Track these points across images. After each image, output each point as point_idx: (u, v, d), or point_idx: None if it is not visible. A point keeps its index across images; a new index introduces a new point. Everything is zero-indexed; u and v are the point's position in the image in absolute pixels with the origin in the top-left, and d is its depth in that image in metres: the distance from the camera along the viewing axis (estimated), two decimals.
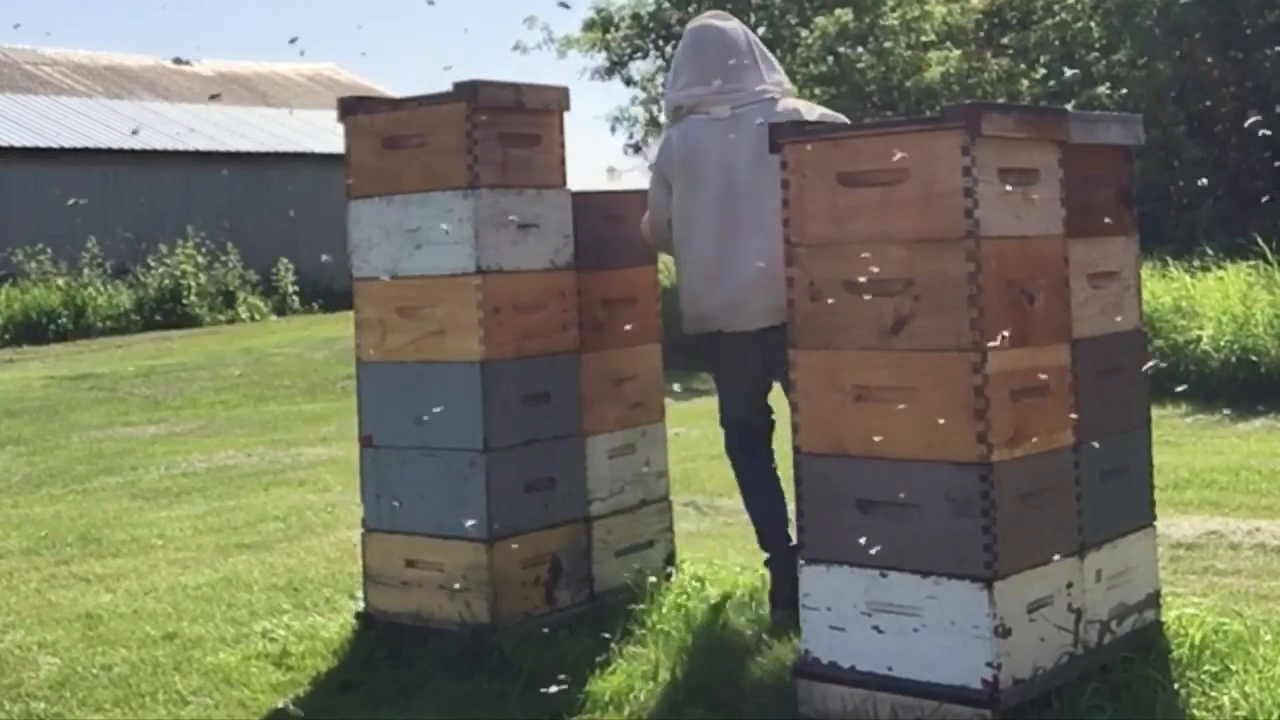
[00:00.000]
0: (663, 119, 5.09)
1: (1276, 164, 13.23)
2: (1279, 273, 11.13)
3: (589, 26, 24.26)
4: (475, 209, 4.56)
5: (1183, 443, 8.61)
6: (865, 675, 3.80)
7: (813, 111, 4.74)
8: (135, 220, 22.87)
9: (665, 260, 5.60)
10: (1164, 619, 4.22)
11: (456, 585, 4.59)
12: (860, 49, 19.92)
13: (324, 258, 19.92)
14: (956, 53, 19.85)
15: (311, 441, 10.18)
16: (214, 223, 23.10)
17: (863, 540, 3.77)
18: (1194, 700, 3.77)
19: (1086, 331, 3.98)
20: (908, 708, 3.72)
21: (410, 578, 4.73)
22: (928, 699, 3.69)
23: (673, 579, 5.00)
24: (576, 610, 4.76)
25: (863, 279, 3.79)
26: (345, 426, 8.77)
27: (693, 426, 8.68)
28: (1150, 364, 4.27)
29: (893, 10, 20.06)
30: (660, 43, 24.20)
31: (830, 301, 3.86)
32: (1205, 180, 15.17)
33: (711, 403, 5.51)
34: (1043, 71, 18.72)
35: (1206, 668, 3.92)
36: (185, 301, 21.56)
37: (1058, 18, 19.22)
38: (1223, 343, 10.48)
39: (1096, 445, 3.95)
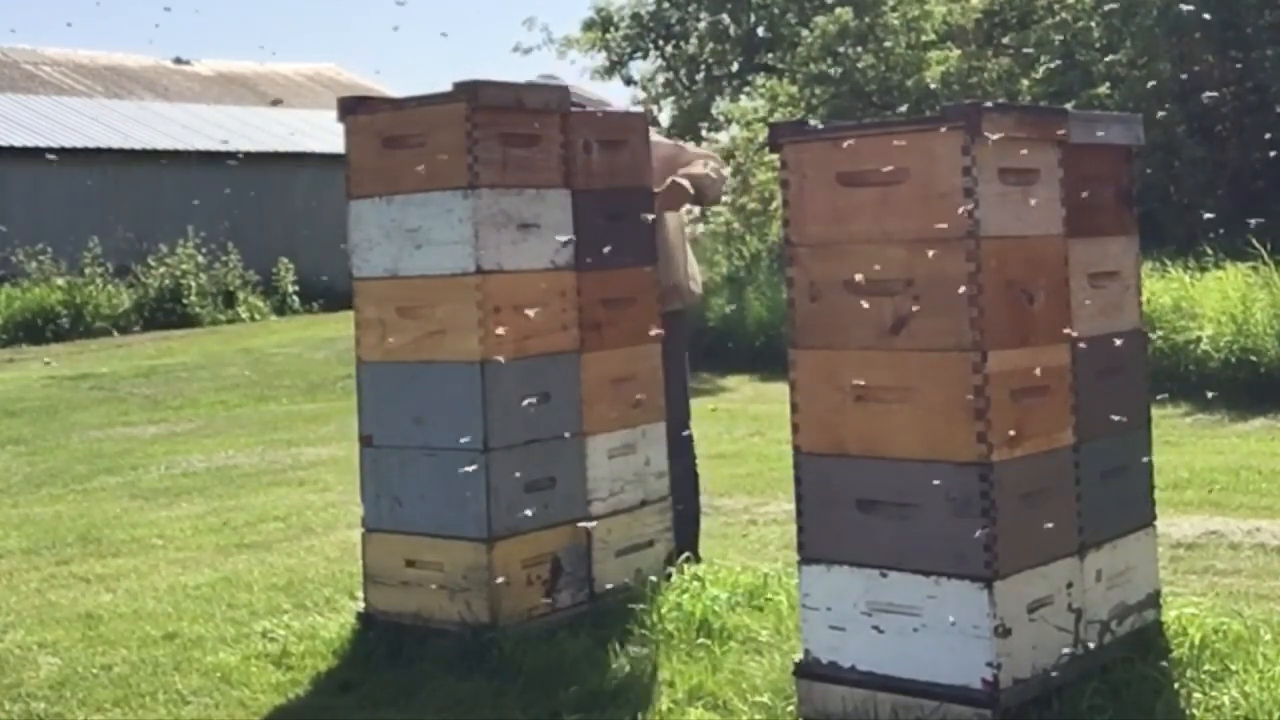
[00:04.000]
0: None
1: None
2: (1278, 273, 11.13)
3: (589, 26, 24.25)
4: (475, 209, 4.56)
5: (1183, 443, 8.61)
6: (865, 675, 3.80)
7: None
8: (135, 220, 22.85)
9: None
10: (1164, 619, 4.22)
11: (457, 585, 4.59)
12: (860, 49, 19.91)
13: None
14: (956, 52, 19.84)
15: (311, 441, 10.18)
16: (214, 223, 23.09)
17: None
18: (1194, 700, 3.77)
19: (1086, 331, 3.98)
20: (908, 708, 3.72)
21: (410, 578, 4.73)
22: (928, 699, 3.69)
23: (673, 579, 5.00)
24: (576, 610, 4.77)
25: (862, 279, 3.80)
26: (345, 426, 8.77)
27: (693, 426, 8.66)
28: None
29: (893, 10, 20.05)
30: (660, 43, 24.19)
31: (830, 301, 3.86)
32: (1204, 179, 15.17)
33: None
34: (1043, 71, 18.72)
35: (1206, 668, 3.92)
36: (185, 301, 21.55)
37: (1058, 18, 19.21)
38: (1223, 343, 10.48)
39: (1096, 445, 3.96)
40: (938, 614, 3.69)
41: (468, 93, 4.57)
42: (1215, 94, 14.75)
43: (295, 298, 23.59)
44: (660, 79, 24.84)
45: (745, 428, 9.94)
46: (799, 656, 3.97)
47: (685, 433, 5.34)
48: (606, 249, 4.87)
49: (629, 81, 24.92)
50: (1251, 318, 10.54)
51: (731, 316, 14.90)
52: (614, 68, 24.49)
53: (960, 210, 3.63)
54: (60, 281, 20.60)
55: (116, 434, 10.99)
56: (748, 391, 12.30)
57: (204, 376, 14.47)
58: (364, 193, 4.83)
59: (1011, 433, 3.69)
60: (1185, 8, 15.14)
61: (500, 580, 4.54)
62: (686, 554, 5.24)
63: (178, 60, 30.09)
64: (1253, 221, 11.31)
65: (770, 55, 22.55)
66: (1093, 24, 18.58)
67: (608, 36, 23.93)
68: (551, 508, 4.75)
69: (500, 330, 4.58)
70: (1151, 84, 15.41)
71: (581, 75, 26.82)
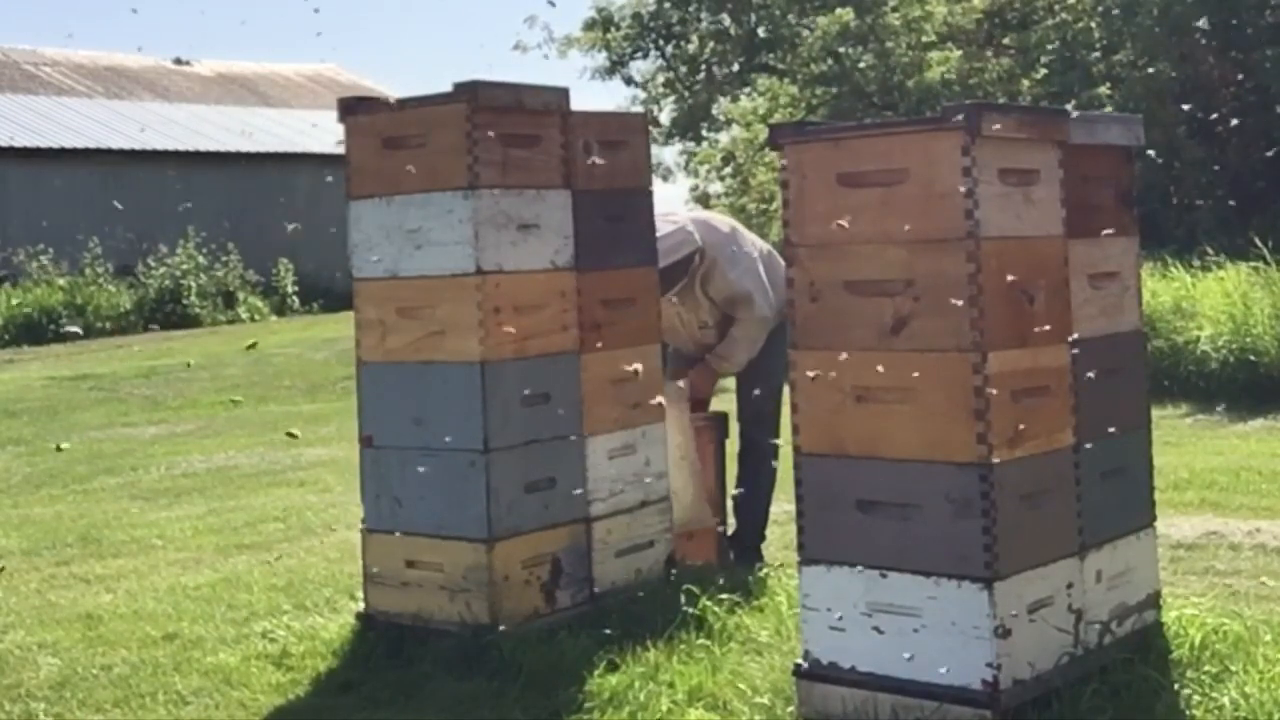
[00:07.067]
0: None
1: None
2: (1278, 273, 11.13)
3: (589, 26, 24.26)
4: (475, 209, 4.56)
5: (1183, 443, 8.61)
6: (865, 675, 3.80)
7: None
8: (135, 220, 22.85)
9: None
10: (1164, 619, 4.21)
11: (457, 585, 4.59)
12: (861, 49, 19.93)
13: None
14: (957, 53, 19.86)
15: (311, 442, 10.18)
16: (214, 223, 23.09)
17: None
18: (1194, 700, 3.76)
19: (1086, 332, 3.98)
20: (908, 708, 3.72)
21: (410, 578, 4.73)
22: (928, 699, 3.69)
23: (673, 579, 5.00)
24: (576, 610, 4.76)
25: (862, 279, 3.80)
26: (345, 426, 8.77)
27: None
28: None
29: (894, 10, 20.07)
30: (661, 43, 24.18)
31: (830, 302, 3.86)
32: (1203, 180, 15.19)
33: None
34: (1043, 71, 18.73)
35: (1206, 668, 3.92)
36: (185, 302, 21.56)
37: (1058, 18, 19.23)
38: (1222, 343, 10.48)
39: (1096, 445, 3.95)
40: (938, 614, 3.69)
41: (468, 93, 4.57)
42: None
43: (295, 298, 23.60)
44: (660, 79, 24.84)
45: None
46: (799, 657, 3.97)
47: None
48: (606, 250, 4.87)
49: (629, 81, 24.96)
50: (1251, 318, 10.53)
51: None
52: (614, 67, 24.51)
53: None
54: (62, 282, 20.62)
55: (116, 434, 10.98)
56: None
57: (204, 377, 14.47)
58: (364, 193, 4.83)
59: (1011, 433, 3.69)
60: (1188, 8, 15.16)
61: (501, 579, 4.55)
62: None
63: (178, 61, 30.10)
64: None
65: (771, 55, 22.56)
66: (1093, 24, 18.60)
67: (608, 36, 23.93)
68: (551, 508, 4.75)
69: (500, 330, 4.58)
70: (1151, 84, 15.44)
71: (581, 75, 26.86)
